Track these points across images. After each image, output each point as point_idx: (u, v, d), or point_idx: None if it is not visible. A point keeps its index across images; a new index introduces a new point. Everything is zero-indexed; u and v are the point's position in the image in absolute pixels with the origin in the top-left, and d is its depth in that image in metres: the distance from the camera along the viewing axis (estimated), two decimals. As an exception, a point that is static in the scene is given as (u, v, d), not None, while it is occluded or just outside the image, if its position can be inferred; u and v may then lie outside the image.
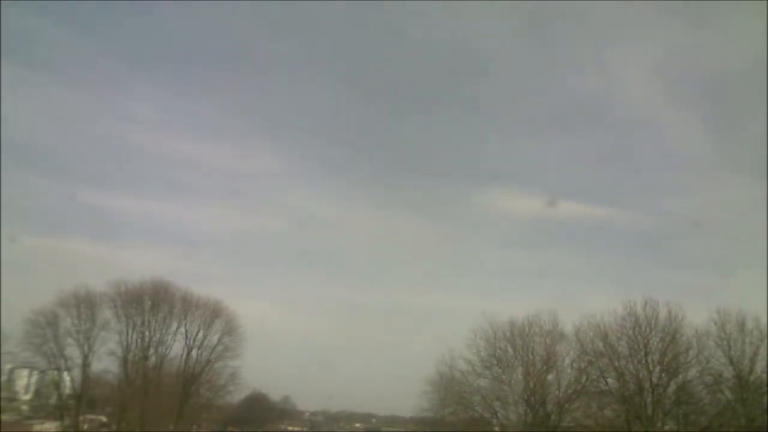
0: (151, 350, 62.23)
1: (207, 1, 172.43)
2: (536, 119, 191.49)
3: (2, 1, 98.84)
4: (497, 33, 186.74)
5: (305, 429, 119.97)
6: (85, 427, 62.78)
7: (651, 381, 45.24)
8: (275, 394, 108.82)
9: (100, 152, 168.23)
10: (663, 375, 45.40)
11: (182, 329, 63.10)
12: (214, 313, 64.10)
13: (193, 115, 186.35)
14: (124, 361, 60.91)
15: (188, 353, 63.58)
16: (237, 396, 72.70)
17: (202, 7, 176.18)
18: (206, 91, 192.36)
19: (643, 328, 46.10)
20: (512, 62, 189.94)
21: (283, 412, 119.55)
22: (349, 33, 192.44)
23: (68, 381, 60.84)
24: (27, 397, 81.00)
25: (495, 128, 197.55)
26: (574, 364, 49.82)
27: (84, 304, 59.69)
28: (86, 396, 61.90)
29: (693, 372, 45.68)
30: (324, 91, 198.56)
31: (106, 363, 61.51)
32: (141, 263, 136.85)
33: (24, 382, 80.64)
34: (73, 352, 59.21)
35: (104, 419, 67.80)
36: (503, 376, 51.52)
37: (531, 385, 50.20)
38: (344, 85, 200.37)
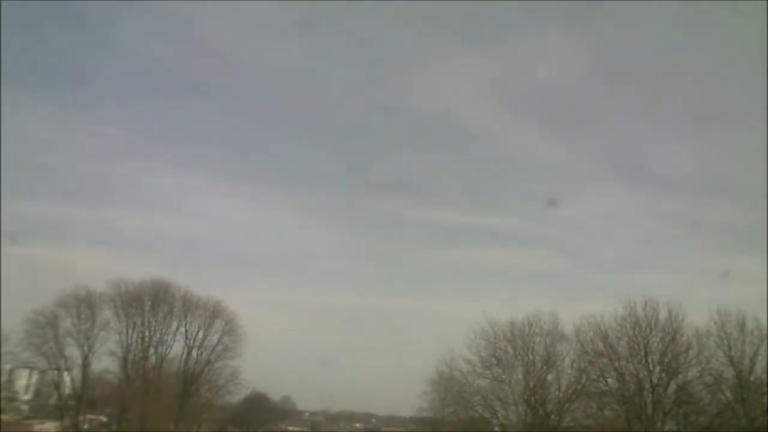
0: (151, 350, 62.44)
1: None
2: (404, 138, 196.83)
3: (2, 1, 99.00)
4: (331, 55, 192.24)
5: (305, 429, 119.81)
6: (85, 427, 62.81)
7: (651, 381, 45.25)
8: (275, 394, 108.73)
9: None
10: (663, 375, 45.41)
11: (182, 329, 63.32)
12: (214, 313, 64.18)
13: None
14: (124, 361, 61.04)
15: (188, 353, 63.71)
16: (237, 396, 72.71)
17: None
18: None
19: (643, 328, 46.12)
20: (360, 86, 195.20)
21: (283, 412, 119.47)
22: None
23: (68, 381, 60.97)
24: (27, 397, 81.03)
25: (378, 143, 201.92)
26: (574, 364, 49.84)
27: (84, 304, 59.85)
28: (86, 396, 62.01)
29: (693, 372, 45.74)
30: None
31: (106, 363, 61.87)
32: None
33: (24, 382, 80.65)
34: (73, 352, 59.51)
35: (104, 419, 67.80)
36: (503, 376, 51.51)
37: (531, 385, 50.19)
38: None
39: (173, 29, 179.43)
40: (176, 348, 63.41)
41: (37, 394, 78.76)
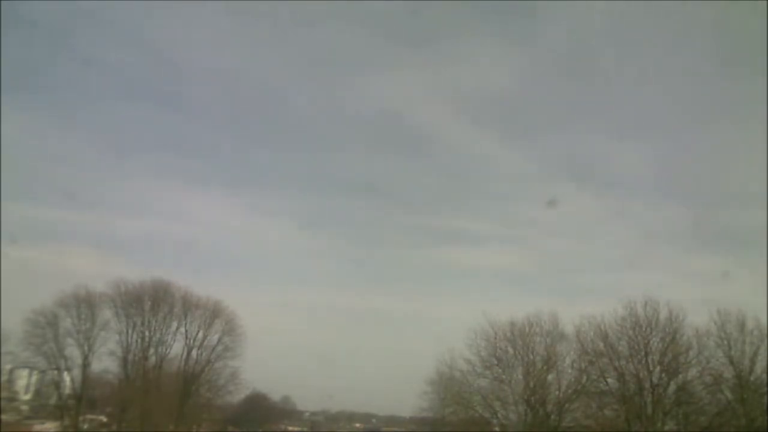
0: (151, 350, 62.40)
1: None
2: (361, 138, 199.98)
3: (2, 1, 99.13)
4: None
5: (305, 429, 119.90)
6: (85, 427, 62.78)
7: (651, 381, 45.26)
8: (275, 394, 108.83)
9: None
10: (663, 375, 45.42)
11: (182, 329, 63.27)
12: (214, 313, 64.17)
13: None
14: (124, 361, 61.00)
15: (188, 353, 63.70)
16: (237, 396, 72.74)
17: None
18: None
19: (644, 328, 46.13)
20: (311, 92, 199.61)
21: (283, 412, 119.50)
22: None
23: (68, 381, 60.87)
24: (27, 397, 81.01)
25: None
26: (575, 364, 49.87)
27: (84, 305, 59.79)
28: (86, 396, 61.95)
29: (693, 372, 45.72)
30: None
31: (106, 363, 61.77)
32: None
33: (24, 382, 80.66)
34: (73, 352, 59.43)
35: (104, 419, 67.73)
36: (503, 376, 51.53)
37: (531, 385, 50.20)
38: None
39: (130, 37, 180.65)
40: (176, 348, 63.51)
41: (37, 394, 78.63)
